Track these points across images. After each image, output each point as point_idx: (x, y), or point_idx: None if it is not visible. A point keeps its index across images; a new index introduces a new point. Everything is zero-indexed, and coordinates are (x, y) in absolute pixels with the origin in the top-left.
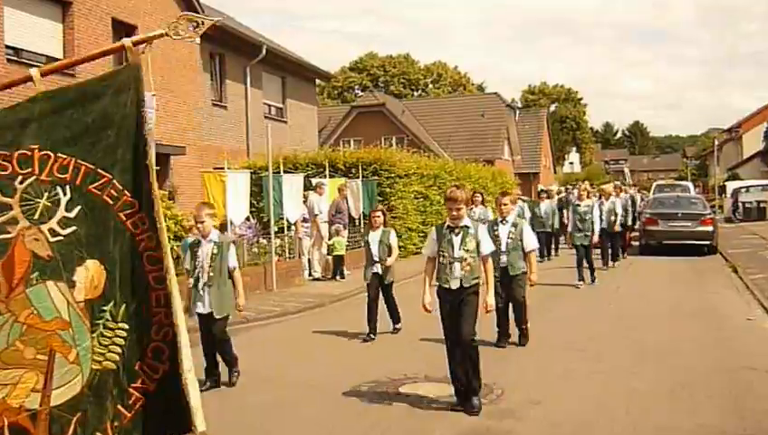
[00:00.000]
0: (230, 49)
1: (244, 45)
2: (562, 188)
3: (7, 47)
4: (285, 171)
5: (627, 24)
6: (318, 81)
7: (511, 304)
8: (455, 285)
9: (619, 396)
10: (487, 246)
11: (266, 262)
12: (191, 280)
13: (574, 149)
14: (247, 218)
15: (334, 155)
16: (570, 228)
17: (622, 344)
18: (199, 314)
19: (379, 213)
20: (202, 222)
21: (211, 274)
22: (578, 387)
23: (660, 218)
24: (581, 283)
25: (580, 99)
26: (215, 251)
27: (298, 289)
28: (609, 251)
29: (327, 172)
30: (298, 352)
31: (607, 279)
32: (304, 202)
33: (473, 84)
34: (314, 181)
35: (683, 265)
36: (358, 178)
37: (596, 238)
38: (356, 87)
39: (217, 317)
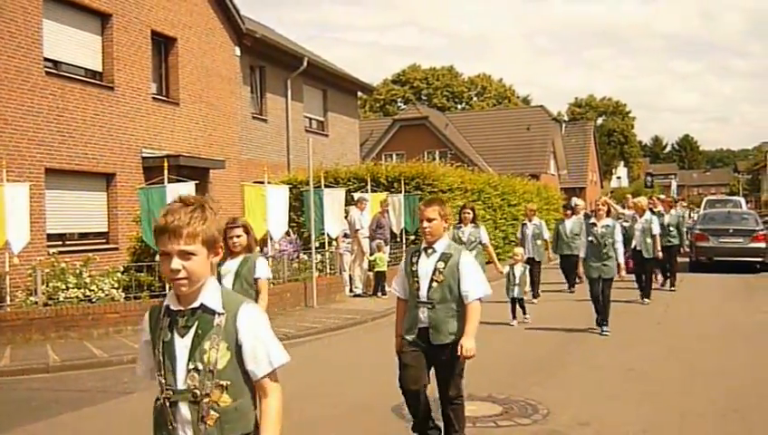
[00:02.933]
0: (271, 61)
1: (284, 57)
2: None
3: (46, 60)
4: (326, 186)
5: (674, 35)
6: (360, 93)
7: (438, 398)
8: None
9: (669, 418)
10: (272, 356)
11: (307, 278)
12: None
13: (622, 163)
14: (288, 233)
15: (376, 169)
16: (582, 254)
17: (672, 365)
18: None
19: (241, 230)
20: None
21: None
22: (627, 408)
23: (711, 234)
24: (607, 329)
25: (628, 112)
26: None
27: (339, 305)
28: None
29: (369, 187)
30: (339, 369)
31: (656, 297)
32: (345, 217)
33: (518, 97)
34: (356, 196)
35: (734, 283)
36: (400, 192)
37: (622, 272)
38: (398, 100)
39: None
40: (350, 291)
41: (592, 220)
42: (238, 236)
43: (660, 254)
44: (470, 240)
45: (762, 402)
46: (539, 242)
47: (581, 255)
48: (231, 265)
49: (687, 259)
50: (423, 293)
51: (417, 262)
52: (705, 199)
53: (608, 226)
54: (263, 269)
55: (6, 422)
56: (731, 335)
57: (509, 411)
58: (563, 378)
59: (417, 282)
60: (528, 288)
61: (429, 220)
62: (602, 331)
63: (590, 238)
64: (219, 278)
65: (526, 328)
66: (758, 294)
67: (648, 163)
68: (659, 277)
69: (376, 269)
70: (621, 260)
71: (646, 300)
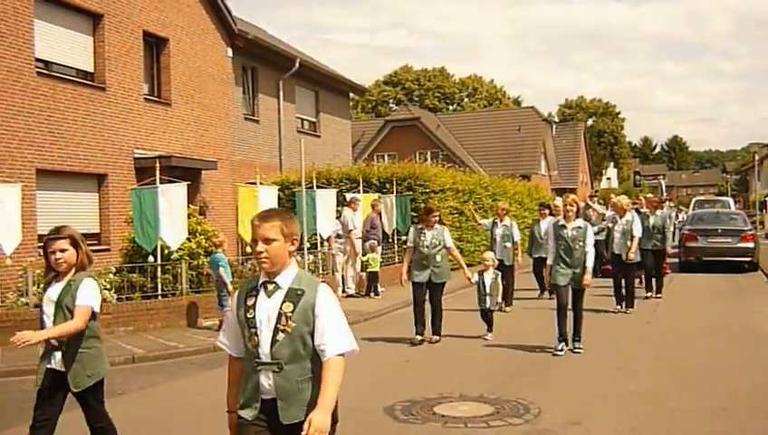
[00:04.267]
0: (263, 62)
1: (277, 58)
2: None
3: (37, 60)
4: (318, 186)
5: (661, 37)
6: (351, 94)
7: None
8: None
9: (659, 416)
10: None
11: None
12: None
13: (612, 164)
14: None
15: (368, 170)
16: (550, 260)
17: (661, 364)
18: None
19: (66, 243)
20: None
21: None
22: (617, 407)
23: (700, 234)
24: (563, 347)
25: (618, 113)
26: None
27: None
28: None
29: (361, 187)
30: None
31: (643, 298)
32: (338, 218)
33: (509, 98)
34: (348, 196)
35: (723, 282)
36: (392, 193)
37: (587, 279)
38: (390, 101)
39: None
40: (343, 291)
41: (561, 222)
42: (62, 251)
43: (633, 256)
44: (433, 244)
45: (750, 401)
46: (508, 245)
47: (549, 261)
48: (53, 292)
49: (677, 259)
50: (265, 349)
51: (254, 304)
52: (693, 200)
53: (579, 227)
54: (85, 295)
55: None
56: (720, 334)
57: (500, 411)
58: (554, 378)
59: (256, 333)
60: (499, 298)
61: (267, 241)
62: (575, 347)
63: (558, 242)
64: (42, 308)
65: (516, 329)
66: (746, 293)
67: (638, 163)
68: (643, 281)
69: (369, 270)
70: (590, 264)
71: (630, 310)
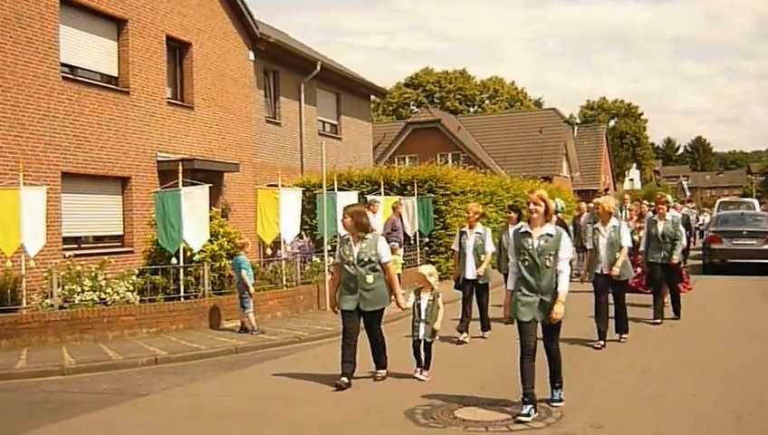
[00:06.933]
0: (284, 65)
1: (298, 62)
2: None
3: (63, 65)
4: (340, 189)
5: (681, 37)
6: (373, 97)
7: None
8: None
9: (683, 421)
10: None
11: (320, 281)
12: None
13: (635, 165)
14: (301, 236)
15: (389, 172)
16: (510, 285)
17: (686, 368)
18: None
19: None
20: None
21: None
22: (640, 411)
23: (724, 236)
24: (530, 410)
25: (641, 114)
26: None
27: None
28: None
29: (382, 190)
30: None
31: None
32: None
33: (530, 100)
34: (368, 198)
35: (748, 285)
36: (413, 195)
37: (558, 310)
38: (411, 103)
39: None
40: None
41: (524, 228)
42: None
43: (617, 271)
44: (360, 259)
45: None
46: (482, 257)
47: (509, 285)
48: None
49: (700, 262)
50: None
51: None
52: (718, 201)
53: (548, 235)
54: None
55: (23, 424)
56: (744, 337)
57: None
58: (577, 381)
59: None
60: (438, 325)
61: None
62: (553, 398)
63: (521, 258)
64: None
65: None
66: None
67: (661, 165)
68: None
69: None
70: (564, 289)
71: (624, 336)
